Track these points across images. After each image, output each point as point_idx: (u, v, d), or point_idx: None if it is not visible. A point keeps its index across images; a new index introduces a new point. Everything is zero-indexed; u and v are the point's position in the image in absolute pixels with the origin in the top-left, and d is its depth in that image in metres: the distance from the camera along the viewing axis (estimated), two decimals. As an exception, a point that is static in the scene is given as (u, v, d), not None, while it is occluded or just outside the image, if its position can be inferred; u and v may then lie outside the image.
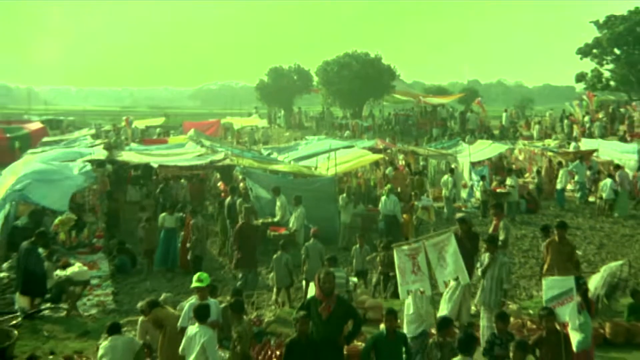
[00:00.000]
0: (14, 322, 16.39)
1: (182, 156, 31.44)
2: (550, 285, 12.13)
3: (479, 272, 14.60)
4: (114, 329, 13.16)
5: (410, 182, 32.94)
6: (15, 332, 15.17)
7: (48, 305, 17.60)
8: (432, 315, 13.25)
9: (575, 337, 11.36)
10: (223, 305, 12.87)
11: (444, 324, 11.33)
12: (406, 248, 13.93)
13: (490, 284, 14.44)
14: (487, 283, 14.51)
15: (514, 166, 36.93)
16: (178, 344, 12.39)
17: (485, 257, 14.72)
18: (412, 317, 13.23)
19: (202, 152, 32.12)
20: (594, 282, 16.82)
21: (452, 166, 34.12)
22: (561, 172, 33.98)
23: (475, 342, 9.69)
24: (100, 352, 12.85)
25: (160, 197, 26.90)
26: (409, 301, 13.59)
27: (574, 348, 11.28)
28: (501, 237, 18.07)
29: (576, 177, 34.50)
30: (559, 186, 33.80)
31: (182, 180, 29.74)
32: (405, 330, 12.88)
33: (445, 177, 32.03)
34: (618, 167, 33.43)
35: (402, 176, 33.92)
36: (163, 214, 22.30)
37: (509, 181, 31.88)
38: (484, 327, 14.26)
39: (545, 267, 16.83)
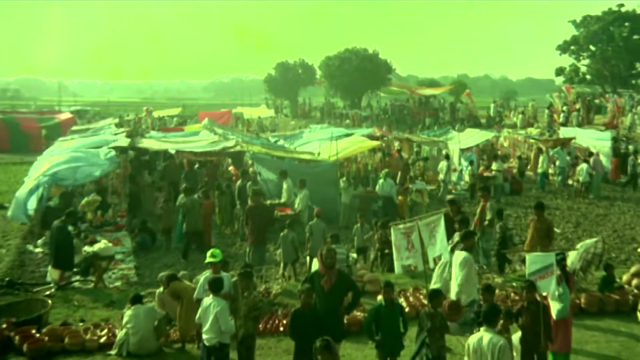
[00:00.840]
0: (48, 292, 16.58)
1: (197, 143, 31.35)
2: (533, 260, 12.20)
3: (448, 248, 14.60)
4: (136, 300, 13.33)
5: (411, 167, 32.92)
6: (50, 301, 15.30)
7: (78, 278, 17.74)
8: (474, 286, 13.23)
9: (555, 307, 11.48)
10: (234, 279, 12.92)
11: (435, 295, 11.33)
12: (402, 227, 13.95)
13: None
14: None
15: (499, 152, 36.84)
16: (194, 313, 12.49)
17: (455, 235, 14.80)
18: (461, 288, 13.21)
19: (215, 139, 32.01)
20: (572, 258, 16.88)
21: (446, 152, 34.08)
22: (541, 157, 34.03)
23: (499, 314, 9.62)
24: (125, 319, 13.00)
25: (184, 182, 26.78)
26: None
27: (554, 317, 11.42)
28: (488, 217, 18.13)
29: (557, 162, 34.55)
30: (539, 170, 33.92)
31: (196, 166, 29.64)
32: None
33: (442, 163, 32.04)
34: (592, 154, 33.54)
35: (396, 161, 33.92)
36: (181, 196, 22.28)
37: (494, 166, 31.97)
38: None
39: (527, 242, 17.02)
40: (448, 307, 12.37)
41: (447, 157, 32.85)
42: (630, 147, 38.56)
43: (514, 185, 32.63)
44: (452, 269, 13.56)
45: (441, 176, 32.03)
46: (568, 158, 34.89)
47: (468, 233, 14.14)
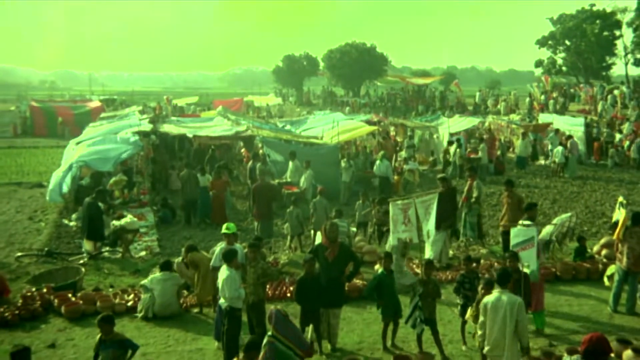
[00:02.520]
0: (82, 261, 16.71)
1: (212, 128, 31.36)
2: (516, 234, 12.32)
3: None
4: (167, 266, 13.47)
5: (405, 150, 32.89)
6: (83, 269, 15.45)
7: (107, 248, 17.80)
8: None
9: (526, 270, 11.61)
10: (246, 250, 12.96)
11: (428, 264, 11.40)
12: (400, 203, 14.02)
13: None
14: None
15: (485, 136, 36.76)
16: (210, 280, 12.66)
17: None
18: None
19: (229, 125, 32.03)
20: (548, 230, 16.93)
21: (457, 138, 34.00)
22: (522, 142, 33.93)
23: (510, 277, 9.68)
24: (150, 282, 13.08)
25: (207, 164, 26.66)
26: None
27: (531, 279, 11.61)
28: (475, 195, 18.13)
29: (549, 147, 34.77)
30: (521, 154, 33.84)
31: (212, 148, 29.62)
32: None
33: (453, 146, 32.07)
34: (570, 137, 33.47)
35: (391, 144, 33.92)
36: (198, 175, 22.23)
37: (480, 148, 31.99)
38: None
39: (501, 215, 17.09)
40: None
41: (458, 141, 32.81)
42: (601, 132, 38.56)
43: (497, 166, 32.62)
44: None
45: (450, 157, 31.98)
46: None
47: (531, 205, 14.43)
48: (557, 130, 35.21)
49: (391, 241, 14.76)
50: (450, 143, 32.78)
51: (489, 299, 9.24)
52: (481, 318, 9.29)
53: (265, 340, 8.06)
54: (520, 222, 13.26)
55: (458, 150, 32.16)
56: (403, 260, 14.23)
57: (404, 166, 28.52)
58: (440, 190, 15.73)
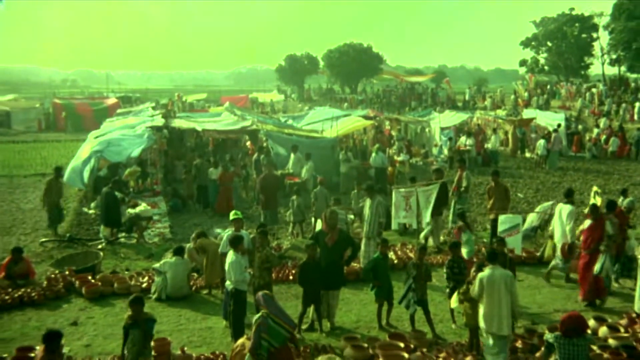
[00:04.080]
0: (100, 246, 16.80)
1: (220, 123, 31.33)
2: (503, 221, 12.53)
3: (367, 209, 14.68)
4: (179, 251, 13.55)
5: (395, 143, 32.86)
6: (102, 253, 15.61)
7: (123, 234, 17.85)
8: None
9: (464, 250, 12.26)
10: (252, 235, 13.00)
11: (421, 250, 11.45)
12: (403, 190, 14.18)
13: (370, 219, 14.55)
14: (368, 218, 14.63)
15: (473, 130, 36.71)
16: (217, 264, 12.71)
17: (367, 201, 14.84)
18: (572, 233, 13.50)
19: (235, 120, 31.98)
20: (532, 217, 17.01)
21: (468, 130, 34.31)
22: (493, 137, 33.84)
23: (497, 255, 9.80)
24: (163, 265, 13.14)
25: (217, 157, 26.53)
26: None
27: (465, 257, 12.31)
28: (464, 184, 18.16)
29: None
30: (492, 147, 33.88)
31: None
32: None
33: (468, 140, 32.34)
34: (555, 130, 33.51)
35: (386, 138, 33.90)
36: (211, 168, 22.20)
37: (468, 142, 32.01)
38: (364, 252, 14.54)
39: (490, 204, 17.11)
40: (567, 248, 13.21)
41: (469, 134, 33.17)
42: (580, 126, 38.61)
43: (485, 158, 32.65)
44: (556, 219, 13.92)
45: (538, 151, 32.24)
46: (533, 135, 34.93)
47: (571, 191, 14.62)
48: (556, 128, 34.99)
49: (393, 225, 14.87)
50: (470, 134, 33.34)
51: (483, 274, 9.30)
52: (477, 291, 9.33)
53: (258, 316, 8.16)
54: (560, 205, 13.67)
55: (449, 143, 32.25)
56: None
57: (398, 158, 28.58)
58: (441, 181, 15.75)
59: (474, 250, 13.67)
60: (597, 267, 12.04)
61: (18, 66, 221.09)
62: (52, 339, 8.28)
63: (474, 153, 31.65)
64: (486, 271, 9.35)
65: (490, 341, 9.23)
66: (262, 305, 8.34)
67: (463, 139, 32.90)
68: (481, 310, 9.33)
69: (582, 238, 12.79)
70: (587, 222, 12.68)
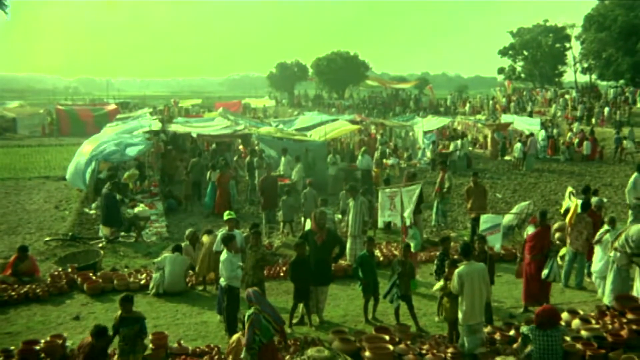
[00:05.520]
0: (101, 245, 16.78)
1: (214, 127, 31.29)
2: (485, 220, 12.50)
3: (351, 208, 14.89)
4: (178, 249, 13.54)
5: (380, 147, 32.88)
6: (102, 252, 15.64)
7: (122, 234, 17.79)
8: None
9: (410, 244, 12.08)
10: (245, 234, 13.00)
11: (406, 248, 11.46)
12: (388, 191, 14.23)
13: (355, 218, 14.74)
14: (352, 217, 14.81)
15: (455, 134, 36.81)
16: (211, 261, 12.70)
17: (350, 200, 15.05)
18: None
19: (228, 124, 31.92)
20: (509, 217, 17.07)
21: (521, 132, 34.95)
22: (458, 142, 33.80)
23: (471, 249, 9.80)
24: (162, 261, 13.13)
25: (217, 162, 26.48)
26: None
27: (412, 251, 12.41)
28: (446, 185, 18.25)
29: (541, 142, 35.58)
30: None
31: (213, 146, 29.45)
32: None
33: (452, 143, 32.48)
34: (531, 134, 33.72)
35: (372, 141, 33.95)
36: (209, 171, 22.12)
37: (452, 145, 32.17)
38: (350, 250, 14.64)
39: (469, 204, 17.19)
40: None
41: (522, 141, 33.35)
42: (555, 131, 38.82)
43: (466, 160, 32.66)
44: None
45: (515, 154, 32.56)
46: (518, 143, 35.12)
47: (588, 188, 15.16)
48: (531, 134, 35.03)
49: (379, 224, 14.94)
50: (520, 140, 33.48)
51: (460, 270, 9.30)
52: (457, 286, 9.31)
53: (251, 312, 8.19)
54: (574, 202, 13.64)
55: (431, 146, 32.29)
56: None
57: (387, 161, 28.65)
58: (420, 182, 15.78)
59: (419, 244, 13.96)
60: (545, 272, 11.75)
61: (23, 74, 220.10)
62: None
63: (457, 156, 31.70)
64: (463, 267, 9.35)
65: (467, 329, 9.35)
66: (253, 302, 8.36)
67: (452, 145, 32.84)
68: (462, 304, 9.33)
69: (527, 244, 12.27)
70: (531, 228, 12.33)
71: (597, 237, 12.60)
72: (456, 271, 9.37)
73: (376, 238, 15.30)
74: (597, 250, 12.63)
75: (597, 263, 12.62)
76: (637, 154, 34.29)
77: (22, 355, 9.49)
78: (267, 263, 11.53)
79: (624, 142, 34.71)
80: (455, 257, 10.70)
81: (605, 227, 12.49)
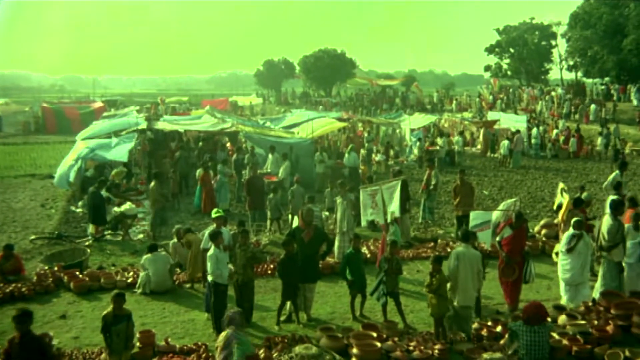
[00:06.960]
0: (87, 243, 16.72)
1: (201, 125, 31.23)
2: (475, 217, 12.54)
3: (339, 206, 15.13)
4: (153, 248, 13.50)
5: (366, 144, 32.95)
6: (89, 250, 15.53)
7: (109, 232, 17.71)
8: None
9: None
10: (232, 232, 12.97)
11: (393, 245, 11.43)
12: (369, 189, 14.19)
13: (343, 215, 14.93)
14: (340, 214, 15.01)
15: (445, 131, 36.94)
16: (200, 259, 12.62)
17: (338, 199, 15.21)
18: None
19: (215, 122, 31.87)
20: (496, 214, 17.08)
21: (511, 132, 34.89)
22: (443, 139, 33.95)
23: (473, 235, 10.33)
24: (145, 262, 13.08)
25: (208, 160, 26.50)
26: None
27: None
28: (433, 182, 18.28)
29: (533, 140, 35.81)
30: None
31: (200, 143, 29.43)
32: None
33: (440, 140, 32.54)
34: (518, 131, 33.90)
35: (359, 139, 33.98)
36: (199, 170, 22.03)
37: (439, 142, 32.25)
38: (338, 247, 14.78)
39: (456, 201, 17.33)
40: None
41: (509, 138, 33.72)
42: (541, 128, 38.97)
43: (452, 158, 32.80)
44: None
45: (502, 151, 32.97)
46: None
47: (619, 184, 15.01)
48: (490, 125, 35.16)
49: (362, 222, 14.95)
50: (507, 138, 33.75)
51: (457, 249, 9.80)
52: (452, 264, 9.73)
53: (228, 331, 8.27)
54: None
55: (418, 143, 32.36)
56: None
57: (375, 158, 28.69)
58: (402, 177, 15.79)
59: (399, 242, 13.82)
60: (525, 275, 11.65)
61: (8, 72, 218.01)
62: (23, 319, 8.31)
63: (443, 154, 31.79)
64: (460, 248, 9.78)
65: (458, 310, 9.75)
66: (232, 325, 8.43)
67: (440, 140, 32.97)
68: (456, 286, 9.75)
69: (503, 247, 11.69)
70: (507, 230, 11.79)
71: (570, 245, 11.53)
72: (453, 251, 9.79)
73: (361, 235, 15.29)
74: (569, 258, 11.58)
75: (567, 271, 11.62)
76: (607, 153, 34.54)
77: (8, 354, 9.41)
78: (258, 261, 11.52)
79: (599, 139, 35.10)
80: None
81: (573, 231, 11.52)
